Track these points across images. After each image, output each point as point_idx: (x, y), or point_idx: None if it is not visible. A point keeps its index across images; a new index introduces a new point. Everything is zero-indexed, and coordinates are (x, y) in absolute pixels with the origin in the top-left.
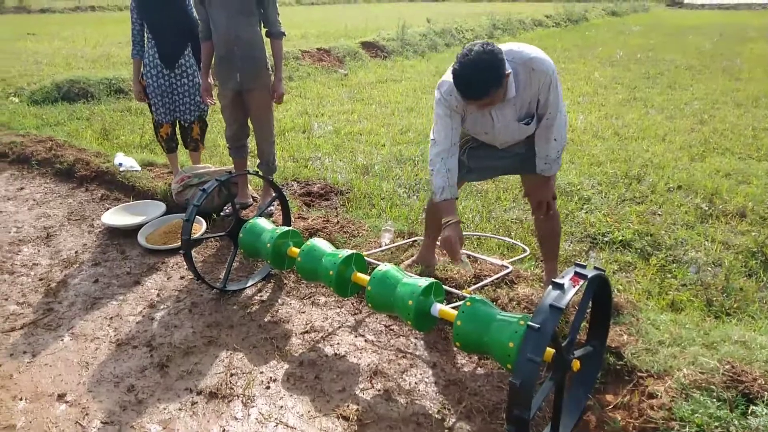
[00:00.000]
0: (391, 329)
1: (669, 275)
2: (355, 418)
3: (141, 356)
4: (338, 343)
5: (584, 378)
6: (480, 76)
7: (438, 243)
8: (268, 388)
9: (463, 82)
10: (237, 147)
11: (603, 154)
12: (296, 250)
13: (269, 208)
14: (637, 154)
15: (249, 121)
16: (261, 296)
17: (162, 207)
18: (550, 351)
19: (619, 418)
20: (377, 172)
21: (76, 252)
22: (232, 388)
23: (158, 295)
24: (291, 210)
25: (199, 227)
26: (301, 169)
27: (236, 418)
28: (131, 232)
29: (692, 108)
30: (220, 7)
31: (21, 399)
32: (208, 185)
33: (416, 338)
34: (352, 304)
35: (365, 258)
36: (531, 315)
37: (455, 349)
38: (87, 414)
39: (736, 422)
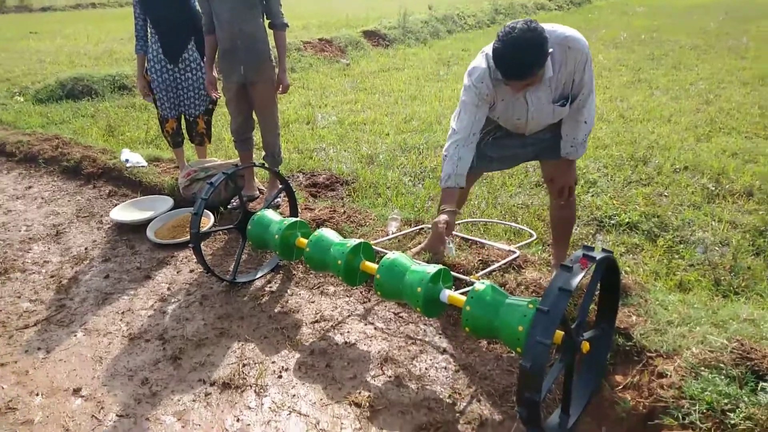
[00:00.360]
0: (400, 316)
1: (676, 256)
2: (367, 404)
3: (154, 349)
4: (348, 332)
5: (594, 360)
6: (524, 55)
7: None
8: (280, 377)
9: (506, 61)
10: (242, 140)
11: (608, 136)
12: (304, 241)
13: (276, 200)
14: (643, 136)
15: (254, 113)
16: (270, 287)
17: (170, 202)
18: (559, 333)
19: (629, 398)
20: (382, 161)
21: (86, 248)
22: (245, 378)
23: (169, 288)
24: (297, 201)
25: (207, 221)
26: (306, 161)
27: (250, 408)
28: (140, 227)
29: (697, 88)
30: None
31: (37, 394)
32: (216, 178)
33: (425, 325)
34: (361, 292)
35: (373, 247)
36: (539, 299)
37: (464, 334)
38: (102, 408)
39: (745, 399)
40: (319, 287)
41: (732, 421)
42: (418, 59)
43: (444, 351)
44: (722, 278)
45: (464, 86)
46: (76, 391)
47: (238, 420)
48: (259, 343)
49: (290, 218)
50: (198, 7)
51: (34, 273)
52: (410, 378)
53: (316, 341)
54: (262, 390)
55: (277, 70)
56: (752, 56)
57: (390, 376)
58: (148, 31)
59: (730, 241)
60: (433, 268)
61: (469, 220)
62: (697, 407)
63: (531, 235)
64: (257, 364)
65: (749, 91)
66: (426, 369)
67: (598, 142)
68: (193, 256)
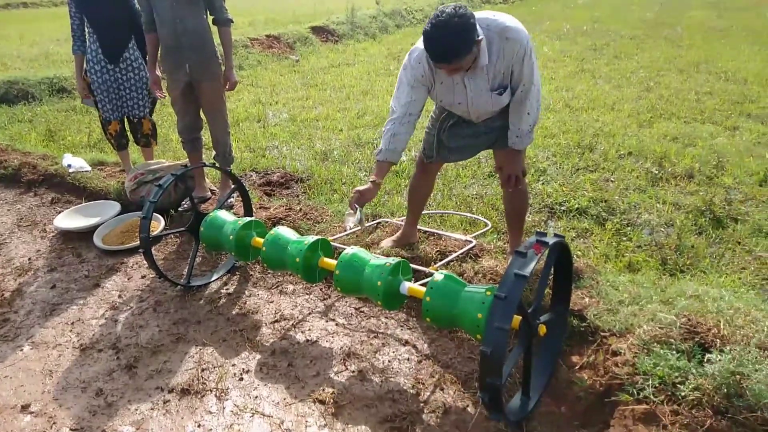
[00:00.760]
0: (361, 311)
1: (624, 238)
2: (332, 400)
3: (107, 359)
4: (309, 330)
5: (551, 342)
6: (450, 39)
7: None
8: (241, 379)
9: (432, 44)
10: (191, 140)
11: (556, 126)
12: (260, 240)
13: (229, 200)
14: (588, 124)
15: (201, 112)
16: (227, 289)
17: (116, 206)
18: (517, 318)
19: (586, 377)
20: (336, 157)
21: (29, 259)
22: (205, 383)
23: (120, 296)
24: (252, 200)
25: (158, 224)
26: (259, 159)
27: (211, 412)
28: (86, 234)
29: (638, 76)
30: None
31: None
32: (164, 180)
33: (387, 318)
34: (321, 289)
35: (331, 243)
36: (497, 286)
37: (425, 324)
38: (54, 423)
39: (694, 371)
40: (277, 286)
41: (682, 393)
42: (368, 54)
43: (406, 343)
44: (668, 258)
45: (403, 65)
46: (25, 408)
47: (199, 426)
48: (217, 347)
49: (245, 218)
50: (137, 5)
51: None
52: (374, 371)
53: (277, 341)
54: (223, 394)
55: (223, 68)
56: (687, 44)
57: (353, 371)
58: (86, 30)
59: (674, 222)
60: (392, 261)
61: (426, 212)
62: (650, 382)
63: (486, 225)
64: (217, 368)
65: (686, 78)
66: (389, 361)
67: (546, 131)
68: (144, 262)
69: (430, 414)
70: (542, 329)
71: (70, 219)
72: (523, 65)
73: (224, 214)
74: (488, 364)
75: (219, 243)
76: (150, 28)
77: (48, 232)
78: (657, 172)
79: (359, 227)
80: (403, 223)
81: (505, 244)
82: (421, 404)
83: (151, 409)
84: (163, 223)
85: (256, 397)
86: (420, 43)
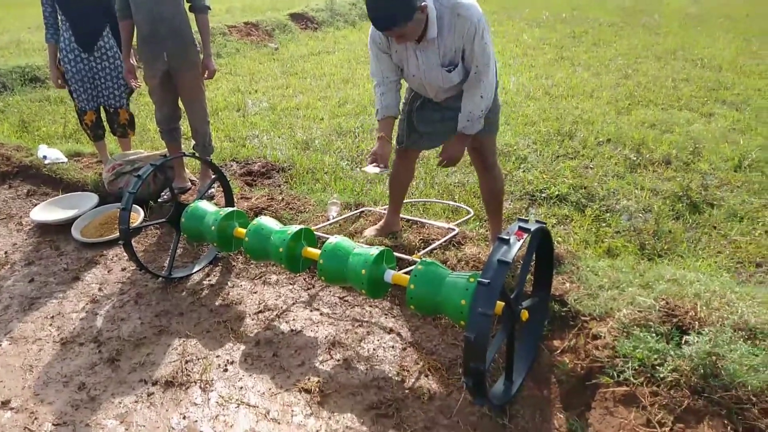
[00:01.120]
0: (345, 300)
1: (604, 224)
2: (317, 389)
3: (89, 353)
4: (294, 319)
5: (533, 327)
6: (387, 6)
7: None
8: (225, 370)
9: (370, 10)
10: (169, 130)
11: (536, 113)
12: (243, 231)
13: (210, 191)
14: (568, 112)
15: (180, 101)
16: (210, 281)
17: (94, 198)
18: (500, 304)
19: (568, 361)
20: (318, 146)
21: (5, 252)
22: (189, 375)
23: (100, 289)
24: (233, 190)
25: (137, 216)
26: (239, 149)
27: (196, 404)
28: (64, 227)
29: (616, 64)
30: None
31: None
32: (143, 171)
33: (371, 306)
34: (305, 279)
35: (314, 232)
36: (480, 272)
37: (410, 312)
38: (36, 418)
39: (672, 353)
40: (260, 277)
41: (661, 374)
42: (348, 42)
43: (390, 330)
44: (647, 243)
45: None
46: (5, 404)
47: (184, 417)
48: (201, 338)
49: (226, 208)
50: None
51: None
52: (359, 360)
53: (261, 331)
54: (207, 385)
55: (202, 56)
56: (664, 32)
57: (338, 360)
58: (58, 18)
59: (652, 208)
60: (376, 250)
61: (409, 200)
62: (630, 364)
63: (468, 212)
64: (201, 360)
65: (663, 65)
66: (374, 350)
67: (527, 119)
68: (125, 254)
69: (415, 400)
70: (524, 314)
71: (47, 211)
72: (473, 44)
73: (205, 205)
74: (472, 349)
75: (201, 234)
76: (124, 14)
77: (24, 225)
78: (635, 158)
79: (379, 174)
80: (385, 212)
81: (487, 231)
82: (406, 391)
83: (135, 402)
84: (142, 214)
85: (242, 387)
86: None
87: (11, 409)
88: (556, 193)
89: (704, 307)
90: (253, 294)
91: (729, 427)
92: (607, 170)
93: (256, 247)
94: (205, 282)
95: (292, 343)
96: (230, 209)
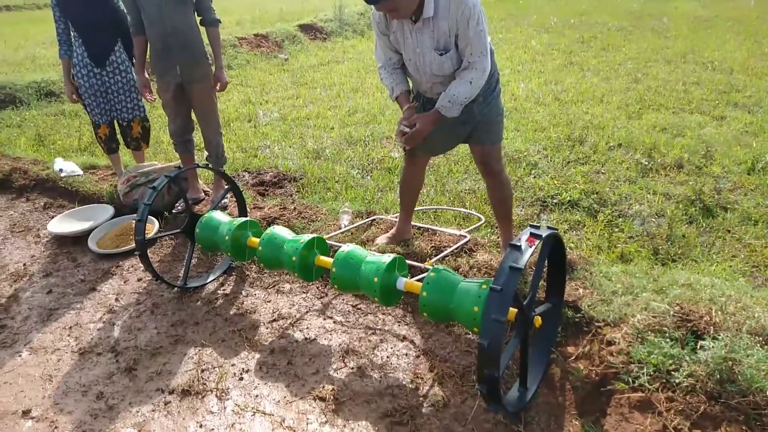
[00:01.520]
0: (358, 308)
1: (616, 229)
2: (332, 397)
3: (107, 362)
4: (307, 328)
5: (546, 333)
6: None
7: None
8: (241, 379)
9: None
10: (182, 141)
11: (545, 119)
12: (256, 240)
13: (223, 201)
14: (578, 117)
15: (192, 113)
16: (224, 290)
17: (110, 210)
18: (513, 311)
19: (582, 367)
20: (329, 155)
21: (24, 264)
22: (205, 384)
23: (117, 299)
24: (246, 200)
25: (152, 227)
26: (251, 159)
27: (212, 412)
28: (81, 238)
29: (626, 68)
30: None
31: None
32: (158, 182)
33: (384, 314)
34: (318, 288)
35: (327, 241)
36: (492, 279)
37: (422, 319)
38: (56, 427)
39: (687, 358)
40: (274, 286)
41: (677, 380)
42: (356, 51)
43: (404, 338)
44: (660, 247)
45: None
46: (26, 413)
47: (201, 426)
48: (216, 347)
49: (240, 218)
50: (122, 7)
51: None
52: (372, 367)
53: (276, 340)
54: (223, 393)
55: (213, 68)
56: (673, 35)
57: (352, 368)
58: (71, 34)
59: (665, 212)
60: (388, 258)
61: (420, 208)
62: (644, 370)
63: (479, 219)
64: (216, 368)
65: (673, 69)
66: (387, 357)
67: (537, 125)
68: (140, 265)
69: (429, 408)
70: (538, 321)
71: (63, 223)
72: (468, 28)
73: (219, 215)
74: (486, 356)
75: (215, 244)
76: (138, 30)
77: (42, 237)
78: (647, 163)
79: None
80: (396, 220)
81: (498, 238)
82: (421, 398)
83: (153, 410)
84: (157, 225)
85: (257, 396)
86: None
87: (32, 418)
88: (568, 198)
89: (719, 312)
90: (267, 303)
91: None
92: (618, 175)
93: (270, 257)
94: (219, 291)
95: (306, 351)
96: (243, 219)
